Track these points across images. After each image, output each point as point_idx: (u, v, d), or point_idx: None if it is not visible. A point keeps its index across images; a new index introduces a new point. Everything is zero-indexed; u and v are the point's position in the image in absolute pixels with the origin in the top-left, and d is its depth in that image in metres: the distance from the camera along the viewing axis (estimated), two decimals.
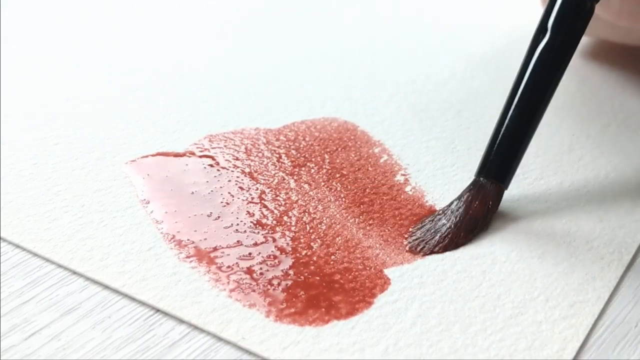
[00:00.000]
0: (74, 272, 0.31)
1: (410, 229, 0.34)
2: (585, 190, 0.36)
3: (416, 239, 0.33)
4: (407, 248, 0.33)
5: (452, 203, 0.34)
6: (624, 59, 0.47)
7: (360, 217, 0.34)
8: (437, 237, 0.33)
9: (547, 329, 0.29)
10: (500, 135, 0.34)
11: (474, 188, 0.34)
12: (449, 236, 0.33)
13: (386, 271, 0.31)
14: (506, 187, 0.34)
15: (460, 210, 0.34)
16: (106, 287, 0.30)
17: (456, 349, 0.28)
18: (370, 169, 0.37)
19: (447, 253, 0.32)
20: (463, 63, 0.46)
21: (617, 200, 0.36)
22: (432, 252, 0.32)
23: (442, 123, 0.41)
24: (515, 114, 0.34)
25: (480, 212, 0.34)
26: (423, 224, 0.34)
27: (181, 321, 0.29)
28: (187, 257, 0.32)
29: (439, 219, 0.34)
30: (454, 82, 0.44)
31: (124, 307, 0.30)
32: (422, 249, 0.33)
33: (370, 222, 0.34)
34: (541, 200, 0.35)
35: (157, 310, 0.30)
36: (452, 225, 0.33)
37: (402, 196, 0.35)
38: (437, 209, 0.35)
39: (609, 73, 0.46)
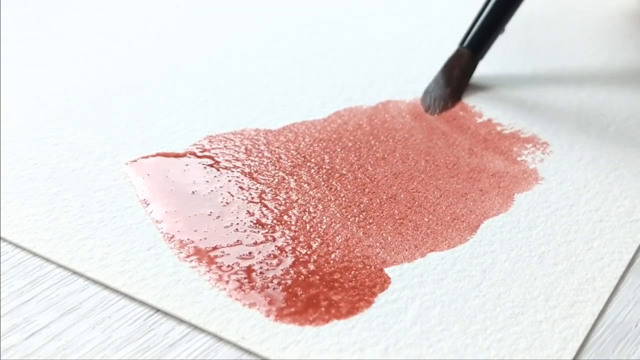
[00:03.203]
0: (74, 272, 0.31)
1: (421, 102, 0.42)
2: (585, 190, 0.36)
3: (422, 105, 0.41)
4: (424, 109, 0.41)
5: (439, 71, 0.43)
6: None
7: (360, 215, 0.34)
8: (432, 98, 0.42)
9: (547, 329, 0.29)
10: (481, 14, 0.43)
11: (454, 56, 0.43)
12: (439, 95, 0.42)
13: (386, 270, 0.31)
14: (481, 57, 0.43)
15: (443, 75, 0.43)
16: (106, 287, 0.30)
17: (456, 349, 0.28)
18: (369, 168, 0.37)
19: (447, 252, 0.32)
20: None
21: (617, 200, 0.36)
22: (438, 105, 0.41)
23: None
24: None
25: (456, 75, 0.43)
26: (425, 93, 0.42)
27: (181, 321, 0.29)
28: (187, 256, 0.32)
29: (430, 85, 0.43)
30: None
31: (124, 307, 0.30)
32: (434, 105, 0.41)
33: (370, 220, 0.34)
34: (542, 200, 0.35)
35: (157, 310, 0.30)
36: (439, 88, 0.42)
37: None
38: None
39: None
